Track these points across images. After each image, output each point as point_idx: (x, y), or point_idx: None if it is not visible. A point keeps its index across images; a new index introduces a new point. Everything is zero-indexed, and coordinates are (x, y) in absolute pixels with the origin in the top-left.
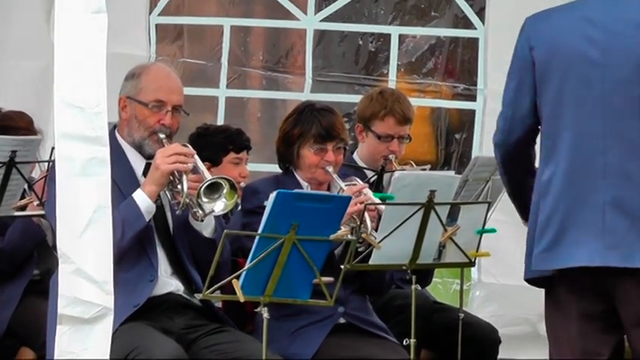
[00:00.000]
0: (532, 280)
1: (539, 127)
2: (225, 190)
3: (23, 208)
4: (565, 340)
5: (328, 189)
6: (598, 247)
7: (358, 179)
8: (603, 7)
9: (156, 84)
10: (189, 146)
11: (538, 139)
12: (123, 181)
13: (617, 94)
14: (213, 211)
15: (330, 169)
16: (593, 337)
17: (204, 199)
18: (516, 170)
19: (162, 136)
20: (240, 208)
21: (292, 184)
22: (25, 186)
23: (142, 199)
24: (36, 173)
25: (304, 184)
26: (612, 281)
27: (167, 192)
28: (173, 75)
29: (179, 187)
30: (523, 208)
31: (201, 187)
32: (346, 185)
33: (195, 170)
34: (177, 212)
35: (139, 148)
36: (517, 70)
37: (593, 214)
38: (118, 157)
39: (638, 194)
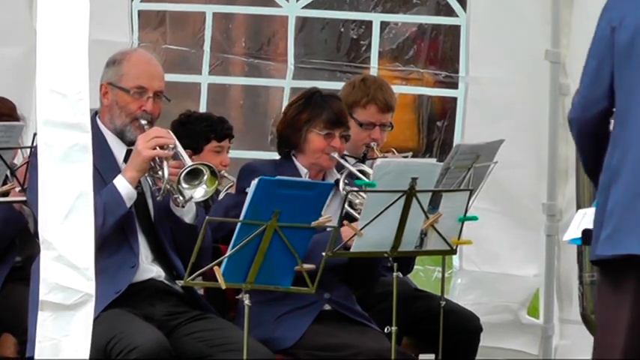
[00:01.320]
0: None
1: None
2: (205, 177)
3: (5, 194)
4: (614, 320)
5: (324, 178)
6: None
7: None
8: None
9: (137, 70)
10: (171, 133)
11: None
12: (104, 168)
13: None
14: (192, 197)
15: (335, 155)
16: None
17: (185, 185)
18: (592, 146)
19: (143, 122)
20: (223, 191)
21: (290, 169)
22: (8, 172)
23: (123, 185)
24: (18, 159)
25: (303, 170)
26: None
27: (148, 178)
28: (154, 61)
29: (160, 173)
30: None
31: (181, 173)
32: (358, 170)
33: (176, 156)
34: (158, 198)
35: (120, 134)
36: (597, 50)
37: None
38: (99, 143)
39: None
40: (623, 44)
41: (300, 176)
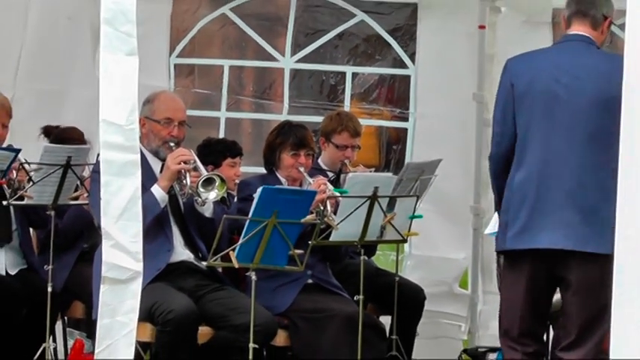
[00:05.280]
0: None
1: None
2: (217, 183)
3: (76, 198)
4: (514, 294)
5: (300, 185)
6: (557, 234)
7: (322, 177)
8: (569, 56)
9: (165, 106)
10: (192, 151)
11: None
12: (145, 178)
13: (578, 123)
14: (207, 198)
15: (302, 169)
16: (537, 301)
17: (202, 190)
18: (502, 178)
19: (172, 144)
20: (235, 198)
21: (274, 180)
22: (78, 182)
23: (158, 191)
24: (86, 173)
25: (283, 180)
26: (561, 259)
27: (176, 185)
28: (177, 98)
29: (184, 181)
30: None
31: (199, 181)
32: (313, 179)
33: (196, 169)
34: (183, 200)
35: (155, 153)
36: (502, 98)
37: (555, 210)
38: (141, 160)
39: (588, 197)
40: (520, 94)
41: (282, 185)
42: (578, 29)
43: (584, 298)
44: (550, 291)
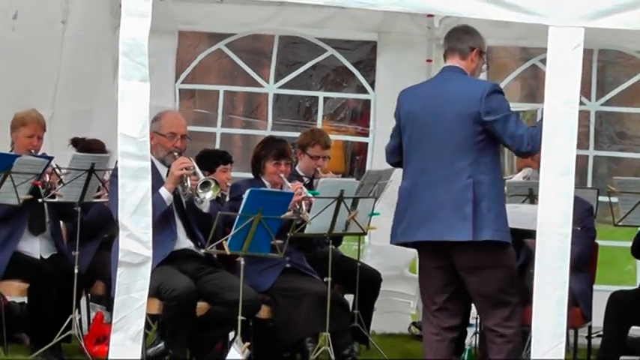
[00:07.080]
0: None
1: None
2: (212, 186)
3: (98, 197)
4: (425, 282)
5: (281, 188)
6: (432, 228)
7: (298, 182)
8: (441, 85)
9: (170, 122)
10: (192, 159)
11: None
12: (154, 181)
13: (444, 138)
14: (205, 197)
15: (282, 175)
16: (442, 282)
17: (200, 191)
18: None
19: (175, 154)
20: (227, 198)
21: (260, 184)
22: (100, 184)
23: (164, 192)
24: (106, 176)
25: (267, 184)
26: (448, 248)
27: (179, 187)
28: (180, 116)
29: (185, 184)
30: None
31: (197, 184)
32: (291, 184)
33: (195, 174)
34: (185, 199)
35: (162, 161)
36: (396, 123)
37: (427, 211)
38: (151, 167)
39: (449, 200)
40: (403, 120)
41: (266, 187)
42: (451, 61)
43: (470, 279)
44: (451, 273)
